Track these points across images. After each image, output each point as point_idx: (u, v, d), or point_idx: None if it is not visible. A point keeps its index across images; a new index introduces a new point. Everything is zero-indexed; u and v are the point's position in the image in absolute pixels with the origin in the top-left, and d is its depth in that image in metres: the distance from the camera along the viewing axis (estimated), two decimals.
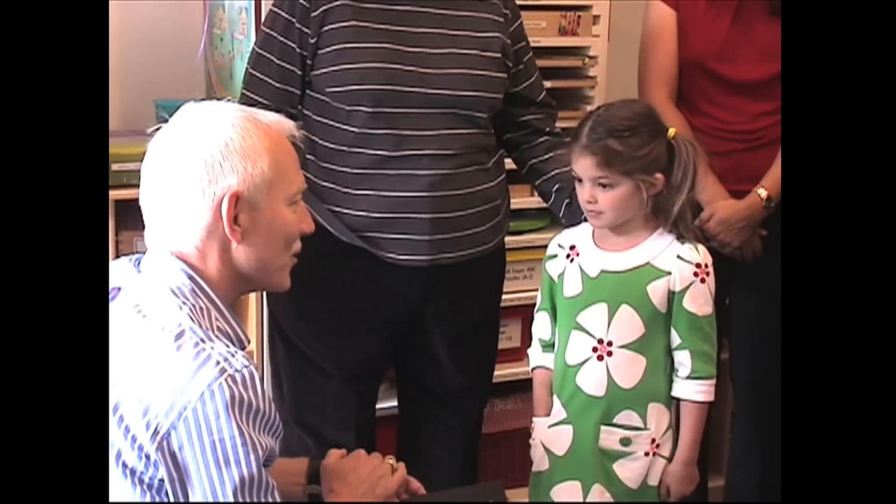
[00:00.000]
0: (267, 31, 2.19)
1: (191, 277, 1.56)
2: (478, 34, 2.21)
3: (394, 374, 2.52)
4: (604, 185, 2.03)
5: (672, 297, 2.08)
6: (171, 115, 2.15)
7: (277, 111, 2.05)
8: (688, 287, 2.07)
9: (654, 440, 2.11)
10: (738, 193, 2.50)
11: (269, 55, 2.18)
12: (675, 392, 2.11)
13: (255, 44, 2.23)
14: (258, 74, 2.19)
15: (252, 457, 1.45)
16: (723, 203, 2.45)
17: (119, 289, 1.60)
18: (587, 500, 2.11)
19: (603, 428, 2.10)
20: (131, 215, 2.52)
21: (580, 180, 2.07)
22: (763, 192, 2.45)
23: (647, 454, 2.11)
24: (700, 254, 2.09)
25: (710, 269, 2.10)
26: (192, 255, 1.58)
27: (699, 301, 2.08)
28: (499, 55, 2.22)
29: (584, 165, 2.04)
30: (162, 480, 1.46)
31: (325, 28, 2.13)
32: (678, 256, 2.07)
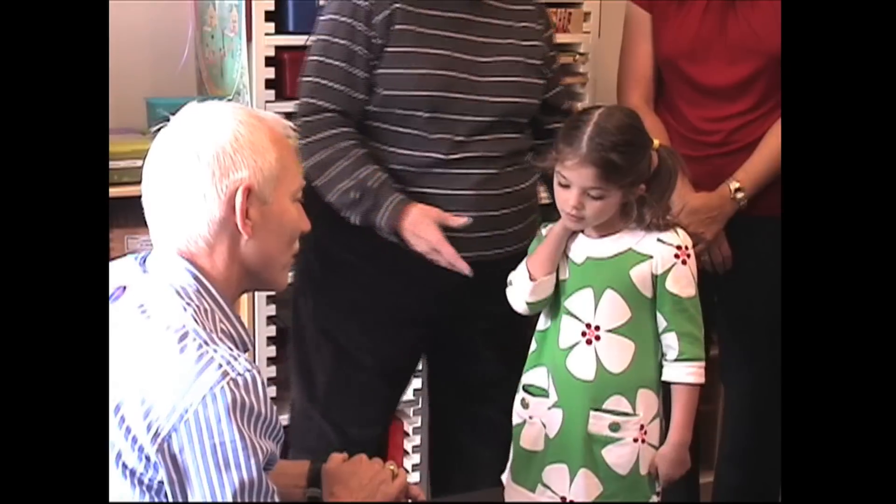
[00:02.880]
0: (326, 38, 2.20)
1: (196, 278, 1.56)
2: (522, 42, 2.29)
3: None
4: (594, 196, 2.04)
5: (655, 280, 2.09)
6: (162, 113, 2.14)
7: (344, 116, 2.15)
8: (669, 269, 2.08)
9: (642, 426, 2.11)
10: None
11: (333, 61, 2.19)
12: (665, 376, 2.12)
13: (313, 52, 2.23)
14: (324, 81, 2.19)
15: (252, 461, 1.46)
16: (694, 194, 2.47)
17: (124, 288, 1.60)
18: (573, 483, 2.11)
19: (592, 413, 2.10)
20: (123, 213, 2.51)
21: (566, 185, 2.05)
22: (734, 184, 2.47)
23: (635, 440, 2.11)
24: (680, 236, 2.11)
25: (692, 252, 2.11)
26: (199, 252, 1.58)
27: (682, 283, 2.09)
28: (540, 62, 2.31)
29: (581, 176, 2.02)
30: (162, 482, 1.46)
31: (392, 29, 2.17)
32: (659, 240, 2.09)
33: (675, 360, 2.10)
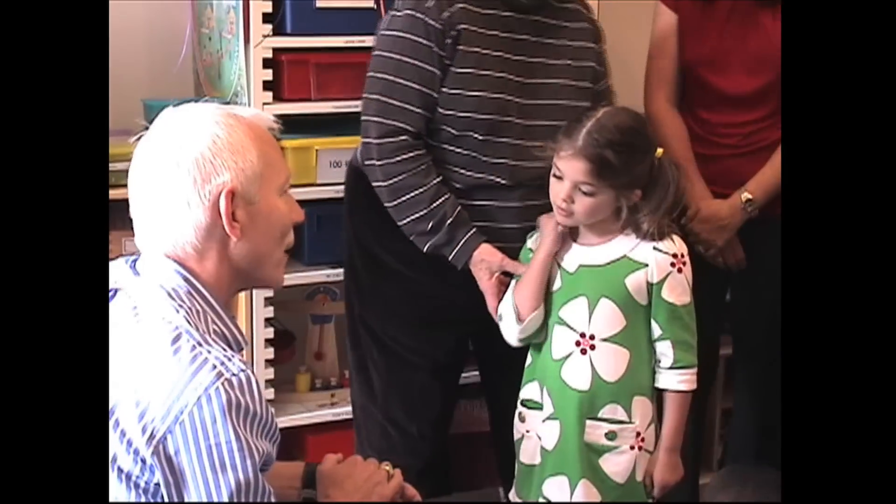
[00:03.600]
0: (398, 57, 2.18)
1: (187, 280, 1.56)
2: (575, 63, 2.29)
3: None
4: (585, 192, 2.03)
5: (651, 288, 2.09)
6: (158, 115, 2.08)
7: (418, 138, 2.17)
8: (666, 277, 2.09)
9: (638, 434, 2.12)
10: (725, 197, 2.52)
11: (409, 83, 2.17)
12: (659, 383, 2.12)
13: (383, 70, 2.20)
14: (398, 103, 2.18)
15: (248, 461, 1.45)
16: (707, 202, 2.48)
17: (116, 290, 1.59)
18: (574, 494, 2.12)
19: (588, 422, 2.11)
20: (119, 215, 2.48)
21: (560, 177, 2.06)
22: (746, 195, 2.47)
23: (632, 448, 2.12)
24: (676, 244, 2.11)
25: (687, 259, 2.12)
26: (189, 257, 1.57)
27: (677, 291, 2.10)
28: (589, 85, 2.29)
29: (574, 168, 2.02)
30: (158, 485, 1.46)
31: (458, 48, 2.17)
32: (655, 248, 2.09)
33: (670, 367, 2.11)
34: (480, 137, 2.18)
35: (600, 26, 2.37)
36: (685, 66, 2.55)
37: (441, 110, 2.18)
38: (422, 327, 2.35)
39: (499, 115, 2.18)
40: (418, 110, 2.18)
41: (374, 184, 2.23)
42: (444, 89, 2.17)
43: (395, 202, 2.21)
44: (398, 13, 2.20)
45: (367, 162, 2.23)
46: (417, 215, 2.19)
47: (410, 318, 2.35)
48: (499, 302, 2.19)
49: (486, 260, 2.19)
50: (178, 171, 1.54)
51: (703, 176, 2.49)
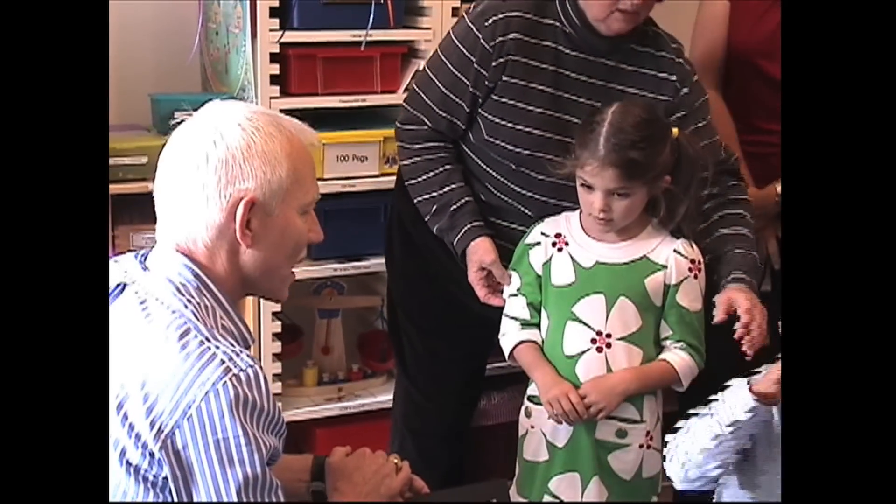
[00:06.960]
0: (442, 58, 2.22)
1: (196, 275, 1.56)
2: None
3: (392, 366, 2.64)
4: (621, 195, 2.03)
5: (666, 290, 2.09)
6: (166, 110, 2.07)
7: (439, 133, 2.22)
8: (682, 281, 2.09)
9: (648, 432, 2.12)
10: None
11: (440, 84, 2.21)
12: (661, 354, 2.11)
13: (429, 64, 2.26)
14: (426, 98, 2.23)
15: (256, 456, 1.46)
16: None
17: (125, 285, 1.59)
18: (586, 492, 2.11)
19: (600, 419, 2.10)
20: (127, 210, 2.52)
21: (590, 187, 2.04)
22: (780, 187, 2.45)
23: (641, 446, 2.12)
24: (695, 250, 2.12)
25: (703, 267, 2.12)
26: (200, 253, 1.57)
27: (691, 296, 2.10)
28: None
29: (604, 178, 2.00)
30: (166, 479, 1.46)
31: (503, 79, 2.16)
32: (675, 251, 2.09)
33: (676, 342, 2.10)
34: (514, 168, 2.19)
35: (691, 74, 2.21)
36: (737, 52, 2.54)
37: (486, 136, 2.20)
38: (444, 310, 2.40)
39: (534, 150, 2.15)
40: (443, 113, 2.21)
41: (400, 163, 2.32)
42: (487, 115, 2.18)
43: (411, 182, 2.27)
44: (464, 19, 2.22)
45: (397, 142, 2.32)
46: (426, 197, 2.25)
47: (434, 299, 2.41)
48: (487, 293, 2.22)
49: (478, 254, 2.20)
50: (206, 167, 1.53)
51: (752, 174, 2.45)
